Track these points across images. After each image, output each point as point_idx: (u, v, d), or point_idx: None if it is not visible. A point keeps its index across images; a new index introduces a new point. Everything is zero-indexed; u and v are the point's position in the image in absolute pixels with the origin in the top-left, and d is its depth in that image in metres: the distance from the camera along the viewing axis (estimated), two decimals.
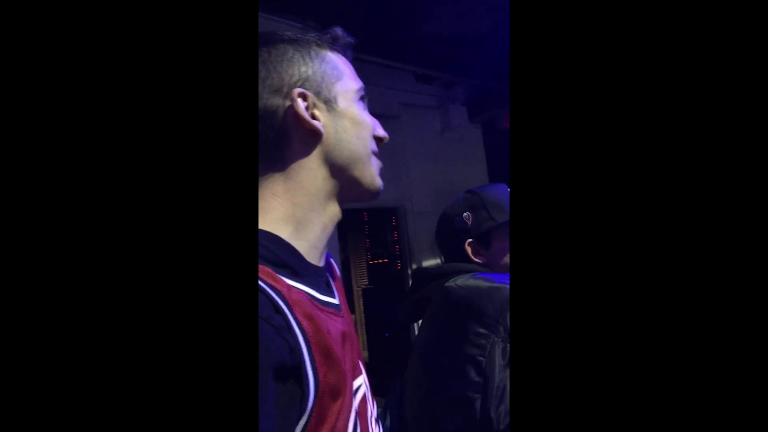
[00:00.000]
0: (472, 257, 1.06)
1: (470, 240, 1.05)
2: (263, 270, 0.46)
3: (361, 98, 0.61)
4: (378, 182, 0.61)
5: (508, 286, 0.90)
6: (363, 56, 2.94)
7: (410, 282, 1.13)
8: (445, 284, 0.98)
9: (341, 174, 0.57)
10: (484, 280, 0.93)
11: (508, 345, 0.85)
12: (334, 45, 0.60)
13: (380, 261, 4.10)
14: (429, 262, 3.66)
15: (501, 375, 0.84)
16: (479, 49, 3.11)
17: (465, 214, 1.08)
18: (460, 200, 1.10)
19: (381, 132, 0.62)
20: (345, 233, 3.78)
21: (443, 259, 1.12)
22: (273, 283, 0.45)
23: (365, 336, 4.26)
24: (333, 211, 0.58)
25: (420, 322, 1.07)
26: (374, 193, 0.60)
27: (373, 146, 0.60)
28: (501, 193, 1.10)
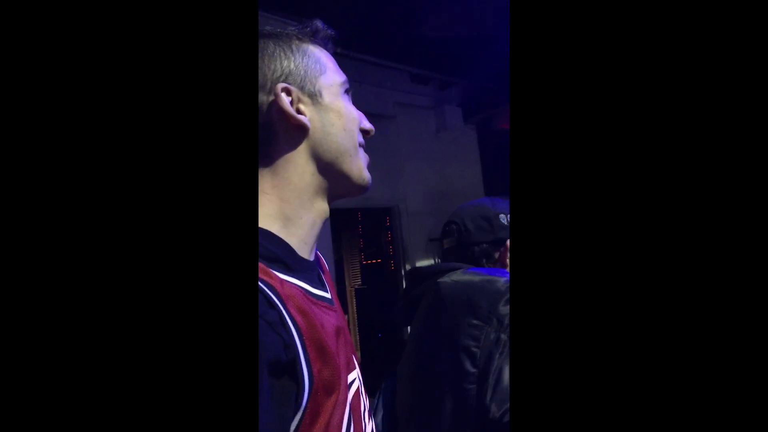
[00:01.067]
0: (508, 257, 1.07)
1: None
2: None
3: (346, 91, 0.60)
4: (366, 176, 0.60)
5: (500, 279, 0.92)
6: (358, 55, 2.93)
7: (404, 283, 1.14)
8: (438, 280, 0.99)
9: (329, 168, 0.56)
10: (476, 274, 0.96)
11: (502, 335, 0.87)
12: (315, 38, 0.60)
13: (374, 261, 4.09)
14: (423, 263, 3.66)
15: (496, 365, 0.86)
16: (475, 50, 3.11)
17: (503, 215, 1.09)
18: (489, 204, 1.11)
19: (367, 125, 0.61)
20: (339, 233, 3.78)
21: (441, 259, 1.13)
22: (266, 278, 0.44)
23: (358, 336, 4.25)
24: (321, 208, 0.57)
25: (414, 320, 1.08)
26: (363, 188, 0.60)
27: (360, 139, 0.60)
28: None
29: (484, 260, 1.07)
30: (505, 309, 0.88)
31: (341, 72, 0.61)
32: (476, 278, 0.94)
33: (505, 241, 1.07)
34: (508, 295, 0.89)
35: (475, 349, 0.88)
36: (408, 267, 3.64)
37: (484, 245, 1.08)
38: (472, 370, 0.88)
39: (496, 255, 1.08)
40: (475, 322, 0.89)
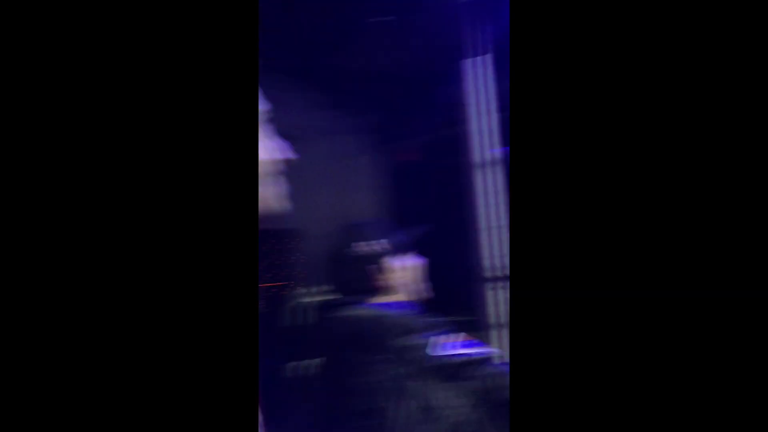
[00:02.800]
0: (374, 281, 1.08)
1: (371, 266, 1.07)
2: None
3: (269, 120, 0.61)
4: (282, 203, 0.61)
5: (392, 312, 0.95)
6: (273, 76, 2.91)
7: (302, 311, 1.13)
8: (336, 315, 1.01)
9: None
10: (368, 309, 0.99)
11: (400, 369, 0.89)
12: None
13: (274, 284, 3.99)
14: (323, 287, 3.63)
15: (396, 399, 0.87)
16: (389, 81, 3.22)
17: (360, 243, 1.10)
18: (334, 243, 1.14)
19: (289, 155, 0.63)
20: None
21: (340, 288, 1.13)
22: None
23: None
24: None
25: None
26: (277, 216, 0.61)
27: (280, 168, 0.61)
28: (379, 222, 1.17)
29: (372, 294, 1.06)
30: (400, 341, 0.89)
31: (265, 101, 0.61)
32: (370, 313, 0.96)
33: (373, 264, 1.06)
34: (401, 329, 0.91)
35: (377, 385, 0.89)
36: (311, 290, 3.60)
37: (360, 285, 1.07)
38: (378, 405, 0.89)
39: (380, 281, 1.06)
40: (373, 357, 0.90)
